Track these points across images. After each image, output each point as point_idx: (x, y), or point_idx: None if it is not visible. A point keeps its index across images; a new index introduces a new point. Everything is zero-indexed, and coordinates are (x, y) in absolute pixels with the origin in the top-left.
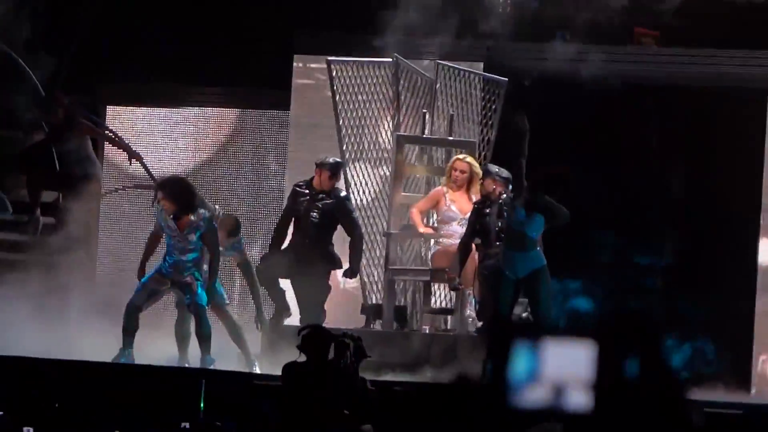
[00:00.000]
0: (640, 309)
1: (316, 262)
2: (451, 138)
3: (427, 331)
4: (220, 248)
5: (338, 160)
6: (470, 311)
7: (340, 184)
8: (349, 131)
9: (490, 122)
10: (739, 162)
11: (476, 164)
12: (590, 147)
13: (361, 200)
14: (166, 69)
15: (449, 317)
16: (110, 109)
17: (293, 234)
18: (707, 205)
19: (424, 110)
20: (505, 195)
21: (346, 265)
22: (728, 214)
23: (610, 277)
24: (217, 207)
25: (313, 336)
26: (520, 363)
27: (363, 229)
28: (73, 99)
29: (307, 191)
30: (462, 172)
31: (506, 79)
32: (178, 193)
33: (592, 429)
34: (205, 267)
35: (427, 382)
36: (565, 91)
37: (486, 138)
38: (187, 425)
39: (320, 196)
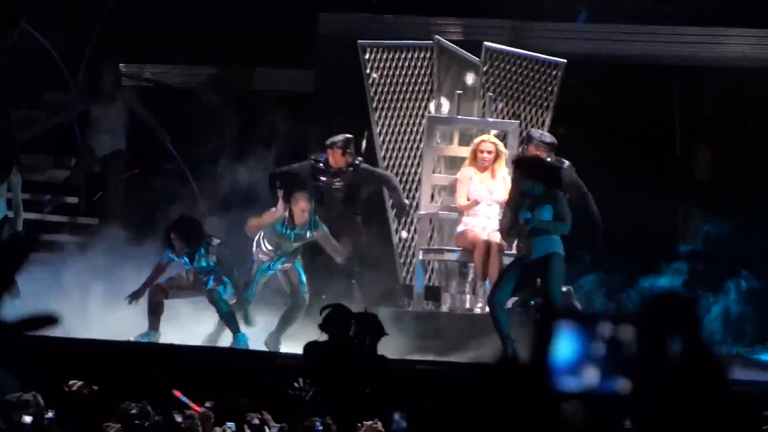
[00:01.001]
0: (680, 290)
1: (346, 234)
2: (490, 120)
3: (446, 310)
4: (298, 227)
5: (347, 135)
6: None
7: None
8: (383, 113)
9: (545, 103)
10: None
11: (501, 144)
12: (629, 130)
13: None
14: (185, 47)
15: (467, 297)
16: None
17: (321, 208)
18: None
19: (459, 92)
20: (549, 159)
21: None
22: None
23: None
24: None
25: (333, 315)
26: (557, 345)
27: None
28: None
29: (326, 169)
30: (489, 152)
31: (565, 60)
32: (189, 231)
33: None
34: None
35: (453, 361)
36: (589, 71)
37: (541, 120)
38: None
39: (339, 172)
